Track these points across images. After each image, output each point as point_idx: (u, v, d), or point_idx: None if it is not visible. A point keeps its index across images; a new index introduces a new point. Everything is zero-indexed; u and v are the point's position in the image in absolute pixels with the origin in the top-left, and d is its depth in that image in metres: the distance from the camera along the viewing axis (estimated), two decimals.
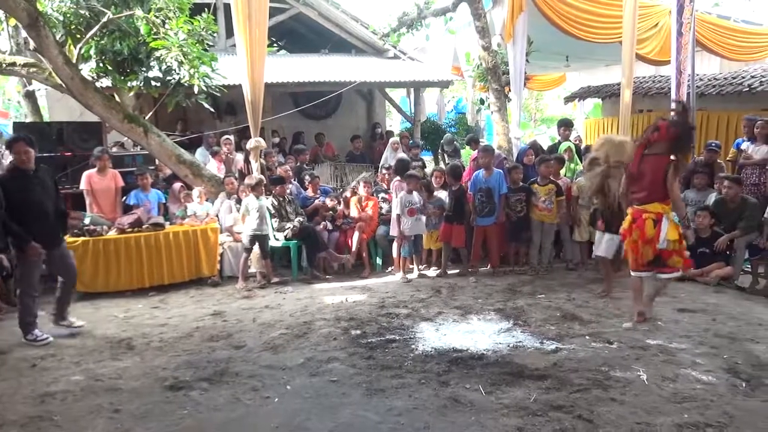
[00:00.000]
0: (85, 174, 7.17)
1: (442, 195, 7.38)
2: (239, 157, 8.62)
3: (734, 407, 3.51)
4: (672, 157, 4.89)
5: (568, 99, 15.69)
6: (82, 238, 6.43)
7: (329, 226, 7.52)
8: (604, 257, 5.99)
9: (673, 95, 8.08)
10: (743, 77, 11.45)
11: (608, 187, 5.46)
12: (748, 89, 10.70)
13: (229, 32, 10.52)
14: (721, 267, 6.37)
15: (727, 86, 11.11)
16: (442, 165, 10.77)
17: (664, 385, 3.84)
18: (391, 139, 10.15)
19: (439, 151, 11.96)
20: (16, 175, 4.89)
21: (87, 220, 6.62)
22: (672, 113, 5.36)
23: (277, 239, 7.20)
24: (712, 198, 6.84)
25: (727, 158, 7.93)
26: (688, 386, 3.81)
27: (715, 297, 5.91)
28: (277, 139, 11.13)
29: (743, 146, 7.53)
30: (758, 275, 6.29)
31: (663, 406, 3.54)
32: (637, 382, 3.89)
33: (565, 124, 8.79)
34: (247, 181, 7.05)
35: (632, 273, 5.13)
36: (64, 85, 7.32)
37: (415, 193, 7.08)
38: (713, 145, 7.95)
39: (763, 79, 10.95)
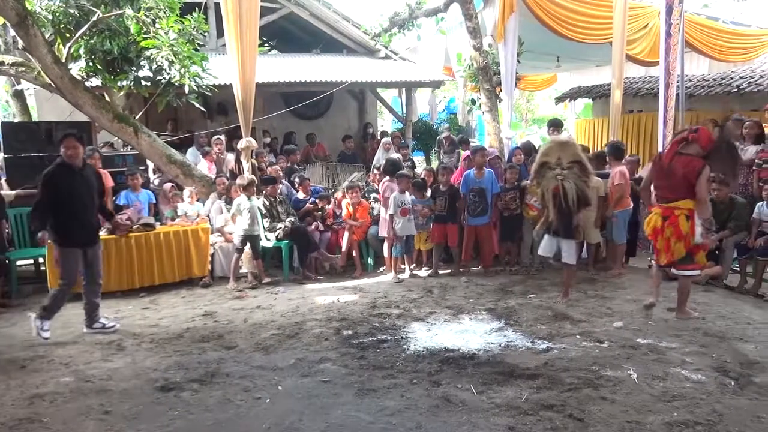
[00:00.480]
0: None
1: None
2: (230, 157, 8.59)
3: (723, 405, 3.54)
4: (705, 159, 4.87)
5: (559, 99, 15.75)
6: None
7: (320, 226, 7.51)
8: (568, 263, 5.84)
9: (661, 96, 8.13)
10: (732, 78, 11.55)
11: (564, 189, 5.41)
12: (736, 90, 10.80)
13: (220, 32, 10.47)
14: (710, 266, 6.41)
15: (716, 87, 11.20)
16: (434, 164, 10.79)
17: (654, 383, 3.86)
18: (383, 140, 10.16)
19: (436, 148, 11.98)
20: (63, 171, 5.06)
21: None
22: (719, 128, 5.42)
23: (269, 239, 7.19)
24: None
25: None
26: (677, 385, 3.84)
27: (705, 296, 5.96)
28: (268, 139, 11.10)
29: None
30: (746, 274, 6.34)
31: (653, 404, 3.57)
32: (628, 381, 3.91)
33: (555, 125, 8.82)
34: (238, 181, 7.04)
35: (657, 265, 5.39)
36: (53, 85, 7.27)
37: (407, 193, 7.09)
38: None
39: (752, 80, 11.05)
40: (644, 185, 5.53)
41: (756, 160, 7.02)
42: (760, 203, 6.25)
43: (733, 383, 3.85)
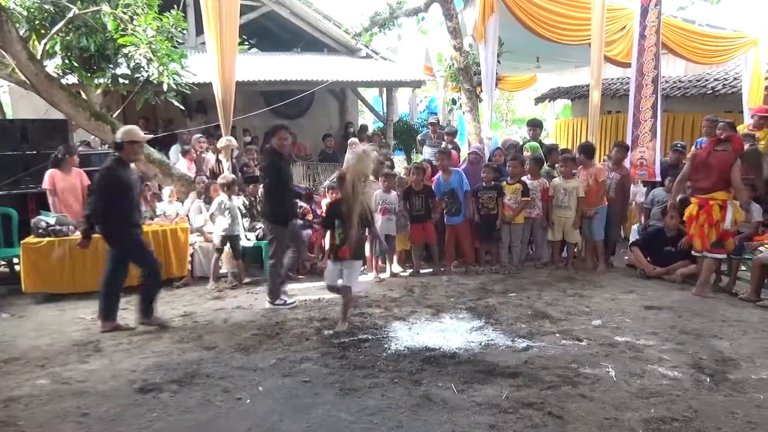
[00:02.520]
0: (48, 173, 6.97)
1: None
2: (210, 156, 8.52)
3: (699, 402, 3.61)
4: (737, 156, 5.73)
5: (539, 100, 15.90)
6: (47, 239, 6.28)
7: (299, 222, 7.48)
8: (347, 285, 5.16)
9: (631, 97, 8.25)
10: (707, 80, 11.77)
11: (363, 208, 4.97)
12: (711, 92, 11.00)
13: (199, 29, 10.39)
14: (685, 265, 6.53)
15: (692, 89, 11.40)
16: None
17: (631, 381, 3.92)
18: (350, 140, 10.07)
19: (418, 143, 11.97)
20: (275, 159, 5.86)
21: (52, 220, 6.46)
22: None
23: (249, 239, 7.14)
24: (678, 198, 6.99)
25: (687, 157, 8.11)
26: (654, 382, 3.90)
27: (681, 294, 6.05)
28: (248, 138, 11.03)
29: None
30: (721, 273, 6.46)
31: (631, 401, 3.62)
32: (606, 378, 3.96)
33: (535, 125, 8.90)
34: (220, 180, 6.94)
35: (695, 253, 6.08)
36: (28, 82, 7.15)
37: (393, 192, 7.08)
38: (679, 145, 8.14)
39: (726, 82, 11.28)
40: (680, 179, 6.19)
41: None
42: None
43: (708, 380, 3.93)
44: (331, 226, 5.23)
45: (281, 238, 5.94)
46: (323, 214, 7.39)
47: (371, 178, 5.25)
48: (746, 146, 6.54)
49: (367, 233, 5.43)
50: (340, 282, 5.16)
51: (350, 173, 4.92)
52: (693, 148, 8.16)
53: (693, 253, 6.16)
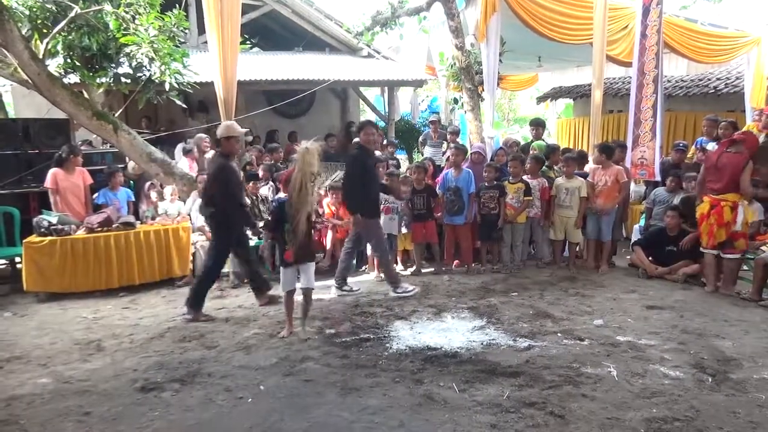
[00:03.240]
0: (51, 172, 6.98)
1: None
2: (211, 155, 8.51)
3: (701, 401, 3.60)
4: (749, 158, 5.84)
5: (541, 99, 15.88)
6: (50, 238, 6.29)
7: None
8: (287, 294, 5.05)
9: (632, 96, 8.24)
10: (709, 80, 11.75)
11: (299, 206, 4.67)
12: (713, 91, 10.98)
13: (201, 29, 10.37)
14: (687, 265, 6.52)
15: (694, 88, 11.39)
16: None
17: (633, 380, 3.92)
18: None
19: (420, 142, 11.98)
20: (362, 154, 6.16)
21: (54, 220, 6.47)
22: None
23: (250, 238, 7.12)
24: (679, 197, 6.98)
25: (688, 157, 8.11)
26: (656, 381, 3.90)
27: (683, 294, 6.05)
28: (250, 138, 11.02)
29: (708, 147, 7.71)
30: (721, 272, 6.44)
31: (632, 401, 3.62)
32: (608, 378, 3.96)
33: (537, 124, 8.89)
34: None
35: (702, 249, 6.19)
36: (30, 81, 7.14)
37: None
38: (681, 145, 8.13)
39: (728, 82, 11.26)
40: (699, 180, 6.32)
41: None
42: None
43: (710, 380, 3.92)
44: (278, 228, 4.94)
45: (377, 230, 6.31)
46: (329, 215, 7.45)
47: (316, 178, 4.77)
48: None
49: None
50: (298, 285, 5.03)
51: (296, 172, 4.66)
52: (693, 147, 8.16)
53: (701, 249, 6.20)
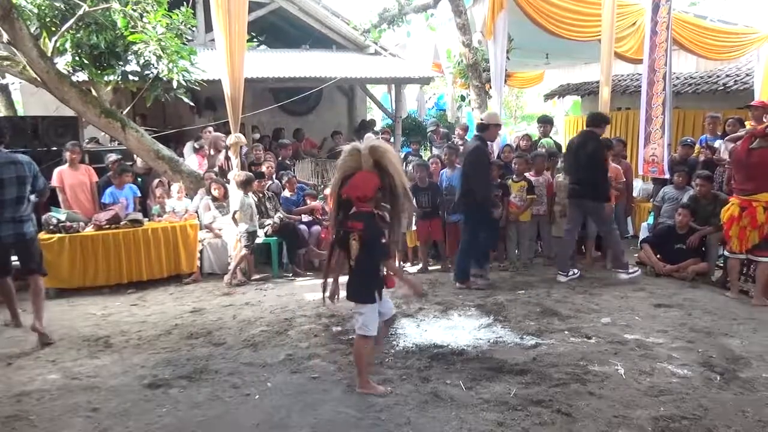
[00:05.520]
0: (56, 170, 7.07)
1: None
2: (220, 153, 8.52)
3: (709, 400, 3.58)
4: None
5: (548, 96, 15.80)
6: (58, 235, 6.33)
7: (304, 218, 7.51)
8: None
9: (643, 93, 8.19)
10: (719, 76, 11.65)
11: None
12: (723, 88, 10.90)
13: (208, 26, 10.42)
14: (696, 263, 6.48)
15: (703, 85, 11.29)
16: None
17: (641, 378, 3.90)
18: (366, 135, 10.09)
19: (427, 143, 11.98)
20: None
21: (63, 217, 6.51)
22: None
23: (258, 236, 7.15)
24: (687, 195, 6.93)
25: (693, 155, 8.06)
26: (664, 380, 3.88)
27: (691, 292, 6.01)
28: (257, 135, 11.05)
29: (716, 144, 7.66)
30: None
31: (640, 399, 3.60)
32: (615, 376, 3.94)
33: (545, 121, 8.86)
34: (237, 177, 6.87)
35: (728, 254, 5.91)
36: (39, 79, 7.19)
37: None
38: (688, 140, 8.07)
39: (738, 79, 11.16)
40: (728, 179, 6.27)
41: (726, 159, 7.09)
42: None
43: (718, 378, 3.90)
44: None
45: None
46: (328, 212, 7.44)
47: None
48: None
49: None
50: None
51: (396, 179, 3.62)
52: (697, 145, 8.10)
53: (726, 254, 6.05)
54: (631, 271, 6.41)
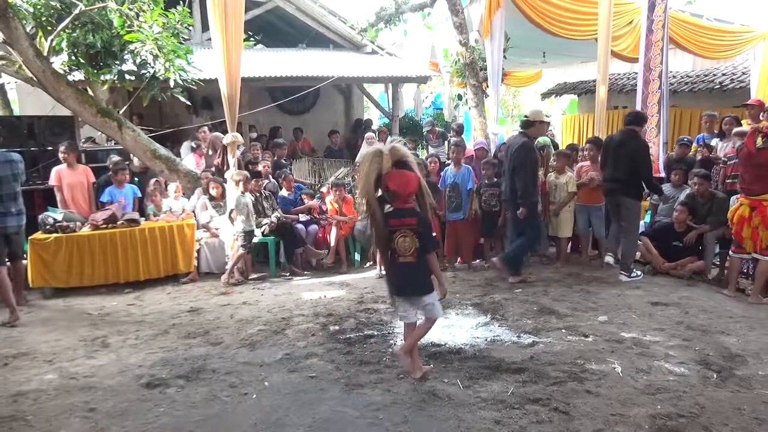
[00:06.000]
0: (55, 169, 7.04)
1: None
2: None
3: (705, 398, 3.59)
4: None
5: (545, 95, 15.84)
6: (55, 235, 6.32)
7: (302, 217, 7.51)
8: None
9: (639, 92, 8.21)
10: (715, 75, 11.70)
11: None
12: (719, 87, 10.93)
13: (205, 26, 10.37)
14: (694, 261, 6.50)
15: (699, 84, 11.34)
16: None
17: (638, 377, 3.91)
18: (367, 134, 10.14)
19: (424, 142, 12.00)
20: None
21: (59, 216, 6.50)
22: None
23: (255, 235, 7.14)
24: (685, 193, 6.95)
25: (690, 154, 8.08)
26: (661, 378, 3.89)
27: (688, 290, 6.02)
28: (255, 135, 11.04)
29: (713, 143, 7.68)
30: (726, 268, 6.42)
31: (637, 397, 3.61)
32: (612, 374, 3.95)
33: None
34: (235, 176, 6.86)
35: (732, 254, 5.86)
36: (35, 79, 7.17)
37: None
38: (685, 140, 8.09)
39: (734, 77, 11.20)
40: (722, 177, 6.24)
41: (722, 157, 7.12)
42: (733, 197, 6.20)
43: (715, 376, 3.91)
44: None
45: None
46: (332, 212, 7.45)
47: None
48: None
49: None
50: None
51: (420, 174, 3.86)
52: (695, 144, 8.13)
53: (731, 253, 5.94)
54: (633, 275, 6.42)
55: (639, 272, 6.51)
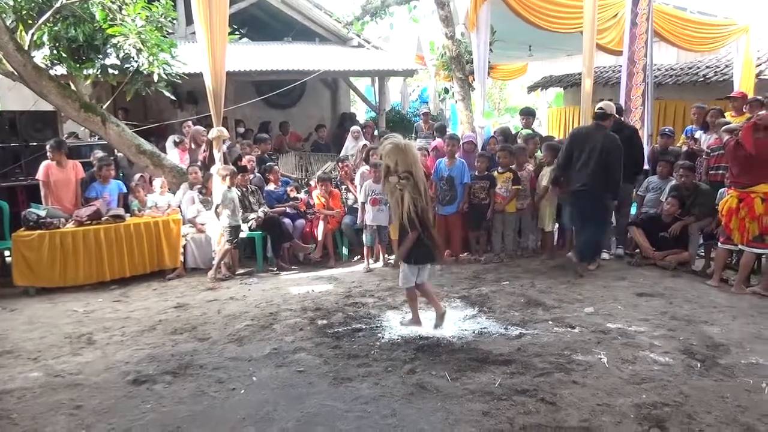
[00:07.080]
0: (44, 164, 6.89)
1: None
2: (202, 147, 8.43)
3: (690, 387, 3.64)
4: None
5: (531, 88, 15.89)
6: (38, 231, 6.24)
7: (289, 210, 7.48)
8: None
9: (623, 85, 8.25)
10: (699, 67, 11.79)
11: (401, 202, 4.46)
12: (703, 79, 11.02)
13: (189, 19, 10.31)
14: (679, 252, 6.55)
15: (683, 76, 11.43)
16: None
17: (623, 367, 3.95)
18: (352, 128, 10.11)
19: (412, 135, 11.95)
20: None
21: (42, 213, 6.42)
22: None
23: (242, 230, 7.11)
24: (670, 185, 7.00)
25: (678, 145, 8.15)
26: (646, 368, 3.93)
27: (672, 281, 6.09)
28: (242, 129, 10.97)
29: (696, 135, 7.75)
30: (711, 259, 6.50)
31: (622, 387, 3.65)
32: (598, 365, 3.99)
33: (527, 113, 8.89)
34: (221, 171, 6.81)
35: (720, 245, 5.97)
36: (15, 73, 7.07)
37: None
38: (667, 130, 8.15)
39: (717, 70, 11.30)
40: (705, 169, 6.34)
41: (706, 149, 7.19)
42: (722, 189, 6.25)
43: (699, 365, 3.96)
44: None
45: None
46: (319, 206, 7.43)
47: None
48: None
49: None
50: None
51: (396, 167, 4.44)
52: (683, 136, 8.19)
53: (718, 244, 6.01)
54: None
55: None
